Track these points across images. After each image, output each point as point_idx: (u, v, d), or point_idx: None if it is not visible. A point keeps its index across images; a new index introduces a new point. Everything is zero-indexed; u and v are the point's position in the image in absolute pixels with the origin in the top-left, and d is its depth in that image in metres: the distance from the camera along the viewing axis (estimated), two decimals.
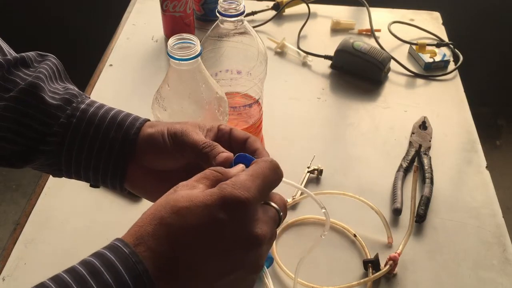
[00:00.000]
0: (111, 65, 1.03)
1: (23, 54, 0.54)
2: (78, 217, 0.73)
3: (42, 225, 0.72)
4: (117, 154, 0.51)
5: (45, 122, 0.50)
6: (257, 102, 0.76)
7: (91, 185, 0.55)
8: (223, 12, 0.66)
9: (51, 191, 0.77)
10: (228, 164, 0.48)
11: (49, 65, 0.54)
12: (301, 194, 0.76)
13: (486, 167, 0.83)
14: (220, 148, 0.48)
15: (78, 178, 0.53)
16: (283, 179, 0.46)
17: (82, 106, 0.52)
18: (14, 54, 0.54)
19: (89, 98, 0.54)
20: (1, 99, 0.50)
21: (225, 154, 0.47)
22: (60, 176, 0.54)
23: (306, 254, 0.55)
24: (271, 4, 1.18)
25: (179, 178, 0.52)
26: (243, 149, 0.51)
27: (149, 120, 0.53)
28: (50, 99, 0.51)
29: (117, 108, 0.54)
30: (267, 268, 0.66)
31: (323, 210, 0.51)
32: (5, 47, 0.54)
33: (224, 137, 0.52)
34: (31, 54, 0.55)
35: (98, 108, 0.52)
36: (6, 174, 1.95)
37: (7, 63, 0.52)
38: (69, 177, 0.54)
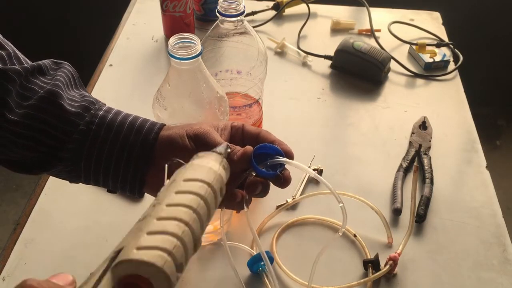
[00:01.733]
0: (111, 65, 1.03)
1: (39, 62, 0.55)
2: (78, 217, 0.73)
3: (42, 225, 0.72)
4: (136, 157, 0.51)
5: (65, 129, 0.51)
6: (257, 102, 0.76)
7: (108, 190, 0.55)
8: (223, 12, 0.66)
9: (51, 191, 0.77)
10: (248, 156, 0.50)
11: (65, 73, 0.55)
12: (301, 194, 0.76)
13: (486, 167, 0.83)
14: (239, 148, 0.51)
15: (97, 184, 0.54)
16: (308, 169, 0.50)
17: (100, 113, 0.52)
18: (30, 62, 0.55)
19: (106, 104, 0.55)
20: (20, 107, 0.50)
21: (242, 149, 0.51)
22: (77, 182, 0.55)
23: (319, 255, 0.55)
24: (271, 4, 1.18)
25: None
26: (256, 144, 0.52)
27: (165, 125, 0.54)
28: (69, 106, 0.51)
29: (134, 114, 0.54)
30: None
31: (340, 205, 0.52)
32: (21, 55, 0.55)
33: (238, 134, 0.53)
34: (46, 62, 0.55)
35: (116, 115, 0.53)
36: (6, 174, 1.94)
37: (25, 71, 0.52)
38: (88, 183, 0.54)
